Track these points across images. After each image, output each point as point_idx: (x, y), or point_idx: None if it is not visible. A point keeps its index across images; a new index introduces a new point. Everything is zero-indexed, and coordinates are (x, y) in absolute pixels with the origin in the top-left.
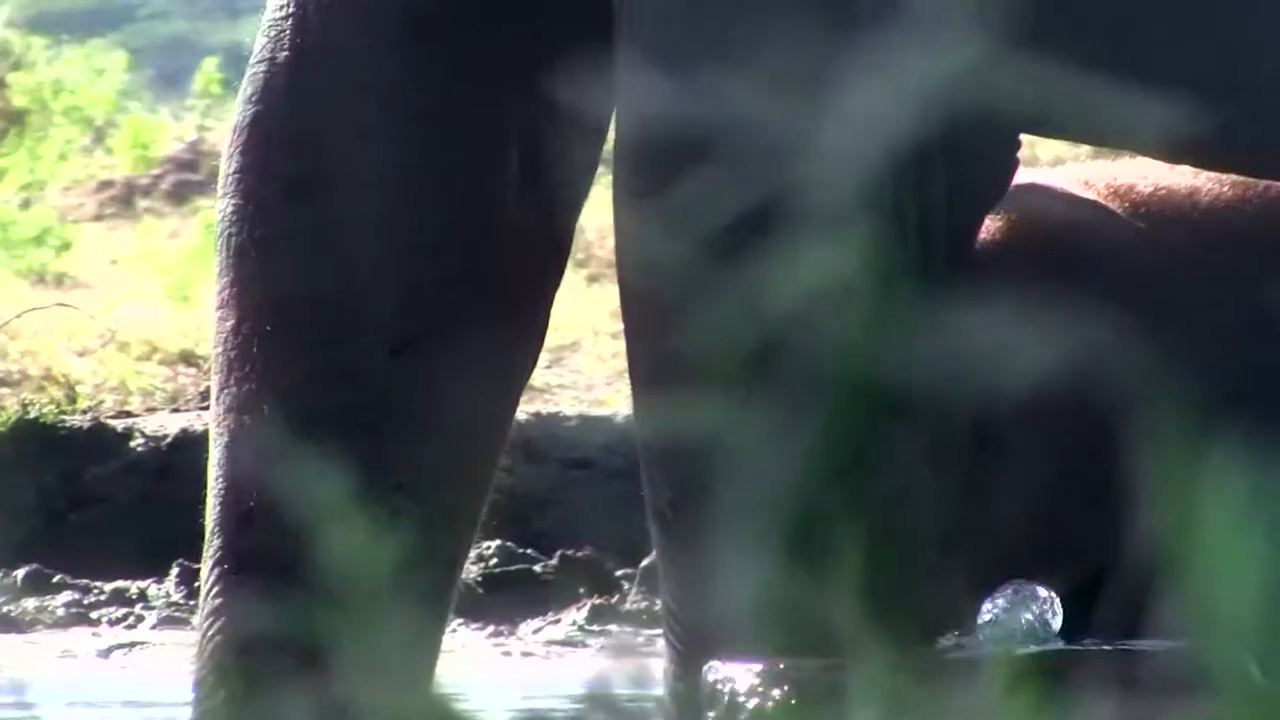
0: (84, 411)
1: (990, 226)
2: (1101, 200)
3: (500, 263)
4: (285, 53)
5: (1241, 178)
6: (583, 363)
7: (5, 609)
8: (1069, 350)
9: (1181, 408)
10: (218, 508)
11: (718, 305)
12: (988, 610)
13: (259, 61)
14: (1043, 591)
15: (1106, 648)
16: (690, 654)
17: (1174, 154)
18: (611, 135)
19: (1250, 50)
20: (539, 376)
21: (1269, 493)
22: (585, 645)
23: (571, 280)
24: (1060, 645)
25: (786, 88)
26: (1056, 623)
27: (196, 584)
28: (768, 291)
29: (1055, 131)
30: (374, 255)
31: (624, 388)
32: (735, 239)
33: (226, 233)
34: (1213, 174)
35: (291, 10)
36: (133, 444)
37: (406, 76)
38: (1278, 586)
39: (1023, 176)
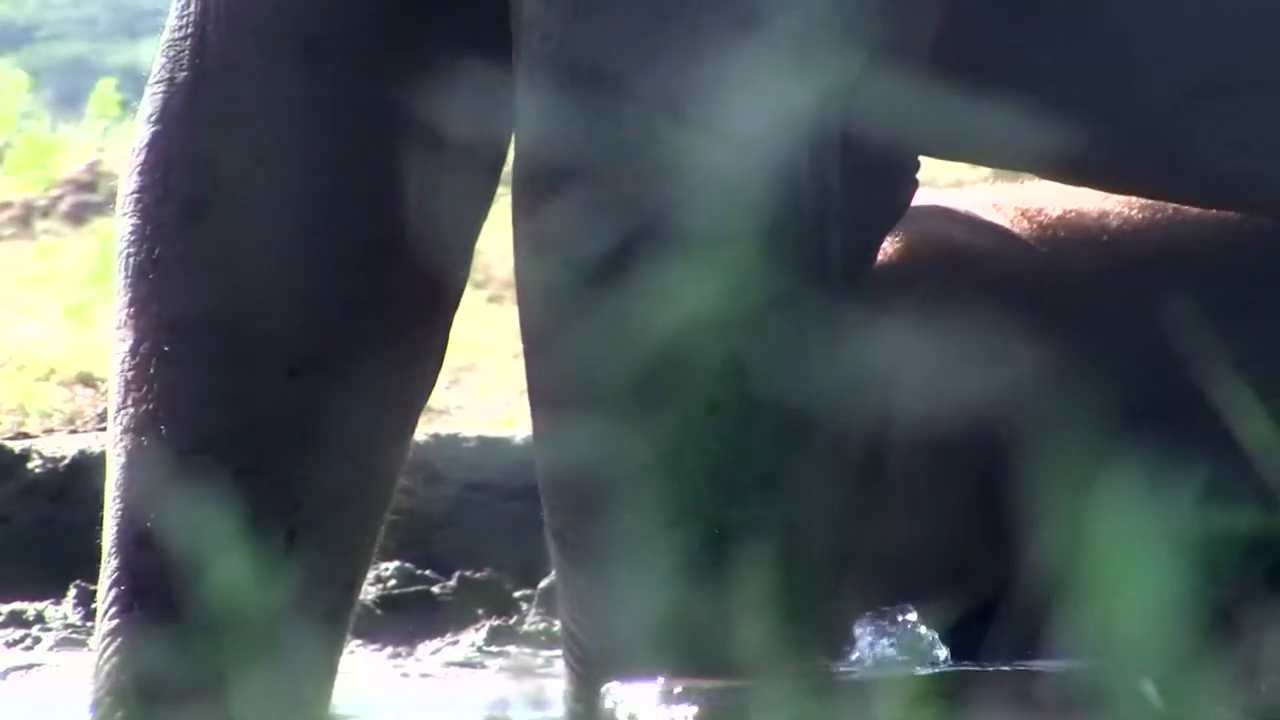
0: None
1: (890, 248)
2: (1010, 221)
3: (398, 284)
4: (184, 73)
5: (1151, 200)
6: (482, 384)
7: None
8: (967, 373)
9: (1080, 431)
10: (115, 529)
11: (613, 326)
12: (880, 631)
13: (157, 82)
14: (927, 618)
15: (1003, 668)
16: (590, 675)
17: (1070, 176)
18: (511, 156)
19: (1141, 75)
20: (438, 397)
21: (1166, 513)
22: (484, 666)
23: (471, 301)
24: (956, 665)
25: (681, 108)
26: (938, 646)
27: (94, 605)
28: (664, 312)
29: (954, 153)
30: (271, 276)
31: (524, 409)
32: (629, 259)
33: (125, 253)
34: (1123, 197)
35: (190, 31)
36: (30, 465)
37: (303, 98)
38: (1174, 607)
39: (923, 198)
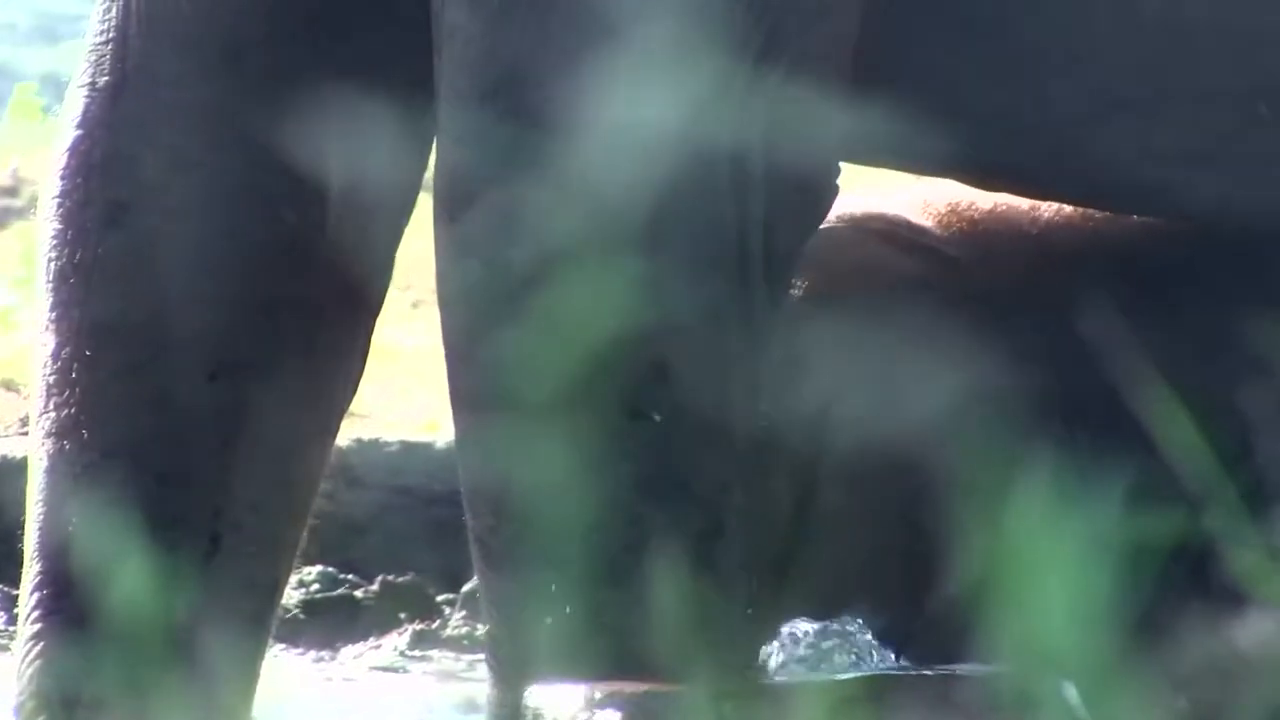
0: None
1: (812, 254)
2: (938, 220)
3: (319, 287)
4: (106, 78)
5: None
6: (404, 388)
7: None
8: (894, 381)
9: (1004, 436)
10: (37, 534)
11: (534, 331)
12: (803, 640)
13: (80, 86)
14: (855, 624)
15: (926, 672)
16: (513, 679)
17: (988, 184)
18: (433, 160)
19: (1055, 86)
20: (360, 401)
21: (1088, 518)
22: (407, 671)
23: (394, 305)
24: (878, 669)
25: (602, 116)
26: (872, 652)
27: (16, 610)
28: (585, 318)
29: (873, 160)
30: (192, 280)
31: (446, 413)
32: (550, 265)
33: (47, 258)
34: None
35: (112, 35)
36: None
37: (225, 102)
38: (1095, 611)
39: (851, 199)
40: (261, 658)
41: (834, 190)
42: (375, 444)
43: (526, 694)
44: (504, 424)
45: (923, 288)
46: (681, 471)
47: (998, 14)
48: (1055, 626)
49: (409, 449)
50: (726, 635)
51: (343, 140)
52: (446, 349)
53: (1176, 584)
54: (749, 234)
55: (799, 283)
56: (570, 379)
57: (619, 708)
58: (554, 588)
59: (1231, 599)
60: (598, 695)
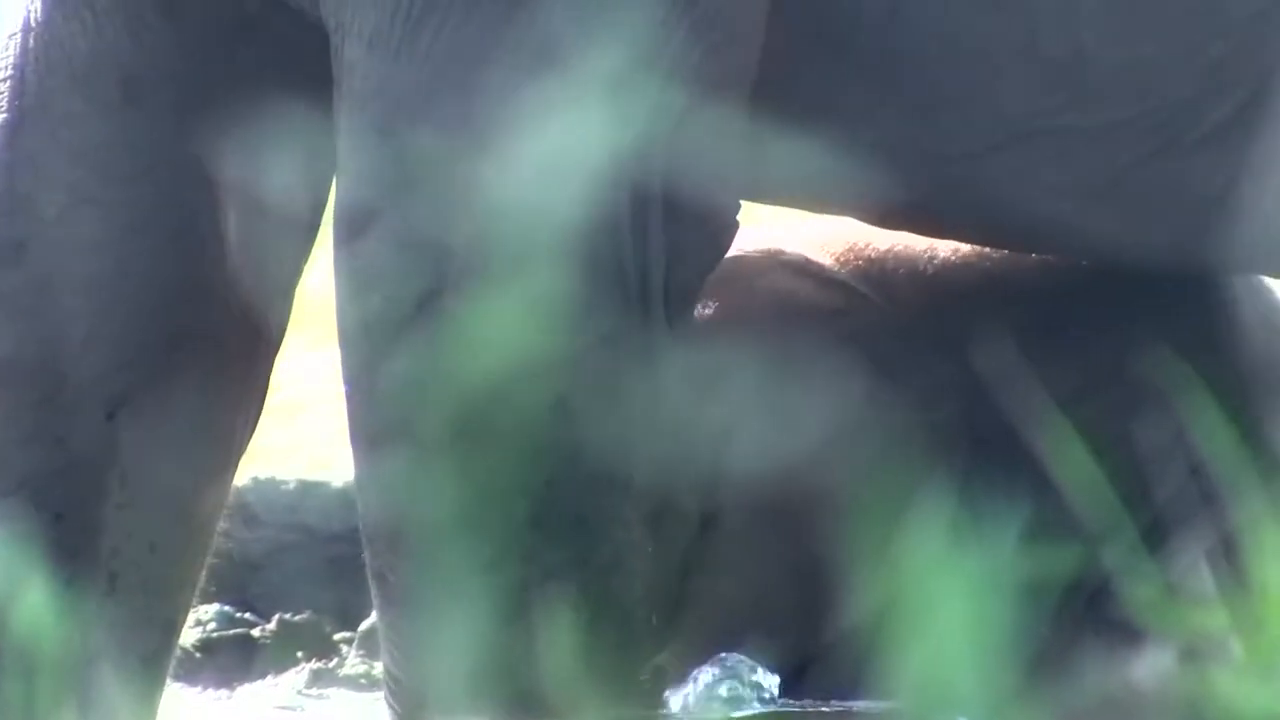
0: None
1: (711, 290)
2: (837, 260)
3: (217, 325)
4: (3, 114)
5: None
6: (301, 426)
7: None
8: (792, 418)
9: (901, 473)
10: None
11: (432, 366)
12: (701, 676)
13: None
14: (752, 660)
15: (821, 709)
16: (411, 717)
17: (887, 221)
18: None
19: (950, 122)
20: (256, 439)
21: (983, 553)
22: (304, 709)
23: (292, 343)
24: (776, 707)
25: (499, 150)
26: (769, 688)
27: None
28: (483, 353)
29: (773, 197)
30: (90, 318)
31: (343, 452)
32: (448, 299)
33: None
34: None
35: (10, 73)
36: None
37: (121, 139)
38: (990, 645)
39: (749, 237)
40: (159, 696)
41: (734, 225)
42: (272, 482)
43: None
44: (402, 459)
45: (829, 320)
46: (579, 506)
47: (894, 49)
48: (951, 661)
49: (306, 487)
50: (624, 671)
51: (242, 176)
52: (345, 383)
53: (1073, 618)
54: (649, 268)
55: (707, 310)
56: (468, 414)
57: None
58: (452, 625)
59: (1128, 633)
60: None
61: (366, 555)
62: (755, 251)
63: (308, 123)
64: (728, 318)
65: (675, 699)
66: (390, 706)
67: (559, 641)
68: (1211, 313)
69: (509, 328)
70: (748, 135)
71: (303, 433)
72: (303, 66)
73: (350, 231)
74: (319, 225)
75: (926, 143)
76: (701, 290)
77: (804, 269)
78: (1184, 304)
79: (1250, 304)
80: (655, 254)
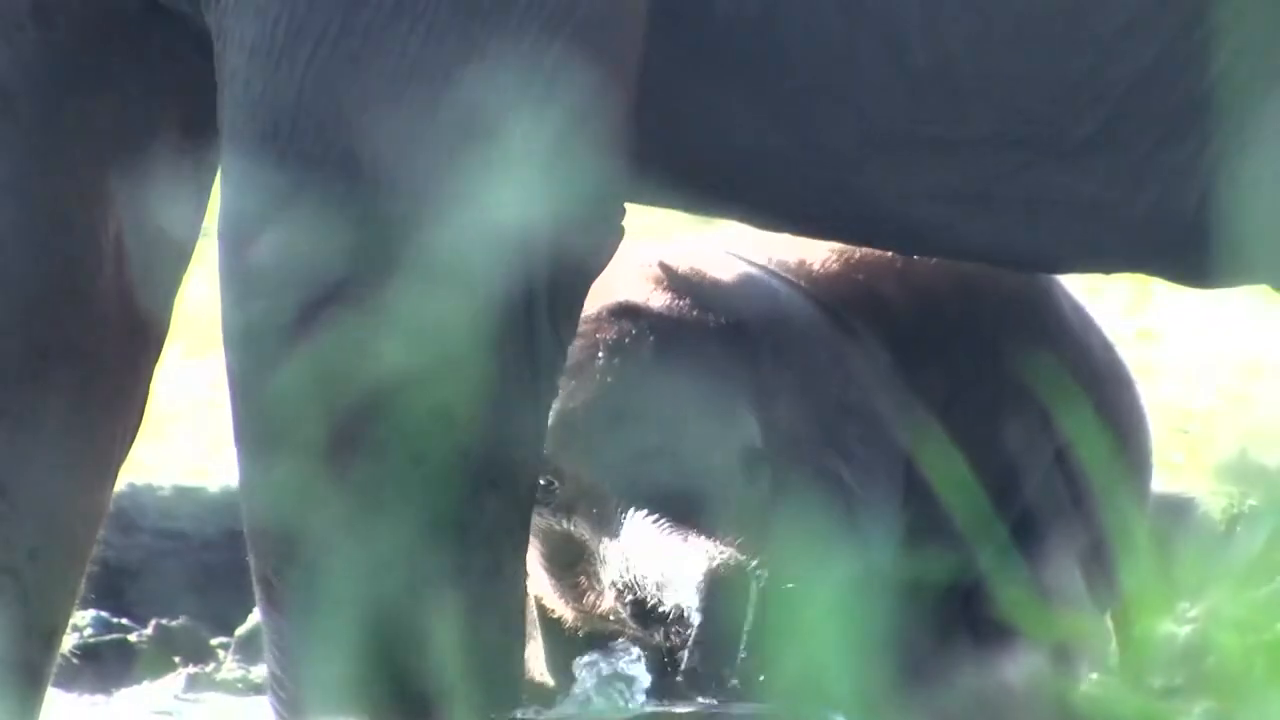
0: None
1: (598, 301)
2: (720, 269)
3: (97, 337)
4: None
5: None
6: (178, 433)
7: None
8: (664, 421)
9: (781, 477)
10: None
11: (317, 373)
12: (580, 674)
13: None
14: (632, 654)
15: (697, 709)
16: None
17: (770, 224)
18: (212, 208)
19: (827, 128)
20: (134, 448)
21: (859, 556)
22: (181, 715)
23: (170, 351)
24: (651, 707)
25: (381, 158)
26: (645, 684)
27: None
28: (367, 361)
29: (657, 203)
30: None
31: (219, 459)
32: (332, 308)
33: None
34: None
35: None
36: None
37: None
38: (865, 647)
39: (631, 248)
40: (39, 705)
41: (619, 233)
42: (148, 488)
43: None
44: (287, 465)
45: (700, 331)
46: (463, 513)
47: (769, 51)
48: (825, 661)
49: (182, 493)
50: (503, 675)
51: (120, 185)
52: (230, 389)
53: (946, 619)
54: (533, 276)
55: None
56: (353, 421)
57: None
58: (335, 629)
59: (999, 634)
60: None
61: (251, 560)
62: (636, 261)
63: (187, 132)
64: (605, 326)
65: (551, 701)
66: (274, 710)
67: (440, 646)
68: (1056, 310)
69: (392, 336)
70: (629, 143)
71: (178, 440)
72: (183, 74)
73: (235, 240)
74: (198, 235)
75: (801, 145)
76: (585, 297)
77: (684, 275)
78: (1041, 302)
79: (1065, 297)
80: (538, 262)
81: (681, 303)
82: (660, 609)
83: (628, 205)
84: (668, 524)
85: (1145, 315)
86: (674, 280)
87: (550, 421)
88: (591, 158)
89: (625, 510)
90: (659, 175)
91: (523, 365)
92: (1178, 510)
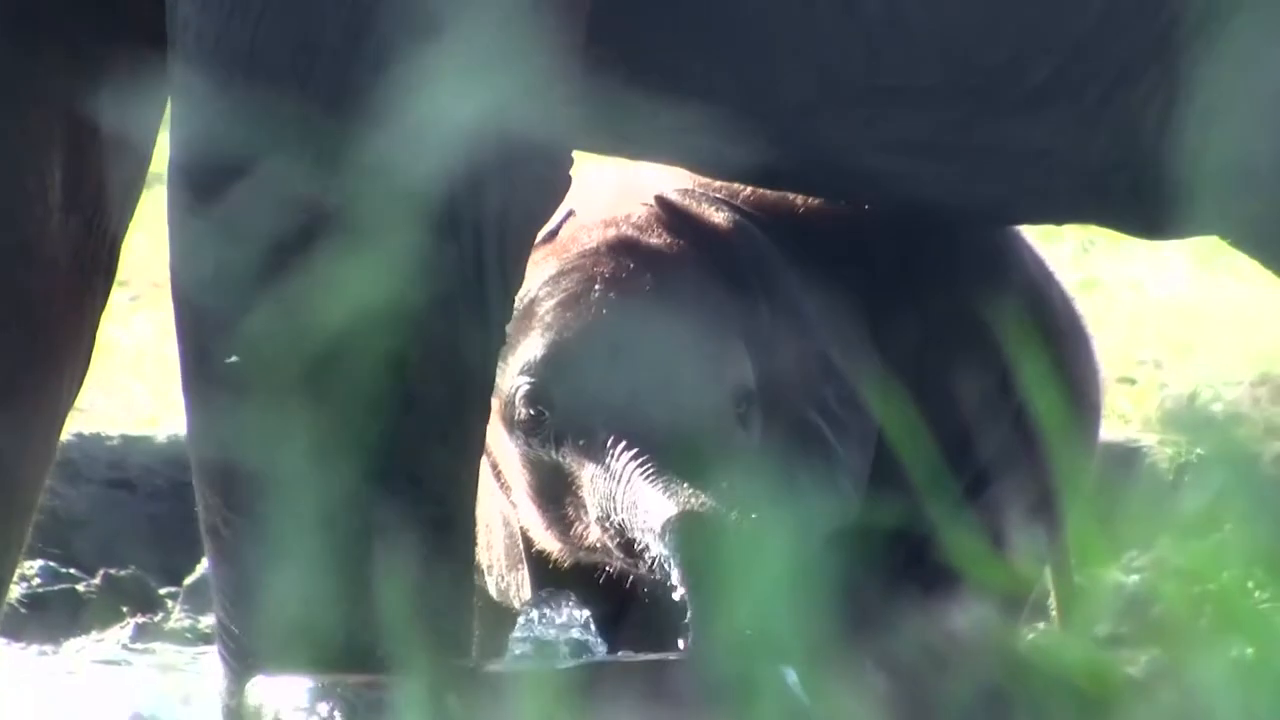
0: None
1: (593, 227)
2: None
3: (44, 285)
4: None
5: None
6: (124, 383)
7: None
8: (665, 359)
9: (729, 425)
10: None
11: (267, 321)
12: (525, 624)
13: None
14: (575, 607)
15: (640, 659)
16: (244, 670)
17: (724, 174)
18: (159, 154)
19: (783, 79)
20: (80, 396)
21: (805, 506)
22: (129, 664)
23: (115, 300)
24: (595, 657)
25: (337, 105)
26: (591, 636)
27: None
28: (317, 308)
29: (611, 150)
30: None
31: (166, 410)
32: (285, 259)
33: None
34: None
35: None
36: None
37: None
38: (813, 600)
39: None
40: None
41: (567, 180)
42: (96, 438)
43: (248, 686)
44: (237, 415)
45: (659, 271)
46: (414, 463)
47: (723, 8)
48: (773, 612)
49: (129, 443)
50: (452, 625)
51: (66, 134)
52: (180, 340)
53: (894, 570)
54: (483, 223)
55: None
56: (303, 370)
57: (344, 698)
58: (285, 578)
59: (947, 584)
60: (323, 686)
61: (200, 509)
62: (638, 190)
63: (135, 77)
64: (603, 260)
65: (499, 649)
66: (223, 660)
67: (390, 597)
68: (1020, 262)
69: (341, 285)
70: (580, 89)
71: (126, 389)
72: (132, 20)
73: (186, 189)
74: (144, 183)
75: (755, 95)
76: (532, 245)
77: (674, 220)
78: (1005, 253)
79: (1028, 249)
80: (488, 209)
81: (680, 242)
82: (642, 546)
83: (577, 154)
84: (653, 463)
85: (1089, 265)
86: (672, 219)
87: (544, 351)
88: (542, 102)
89: (614, 444)
90: (609, 122)
91: (472, 314)
92: (1124, 460)
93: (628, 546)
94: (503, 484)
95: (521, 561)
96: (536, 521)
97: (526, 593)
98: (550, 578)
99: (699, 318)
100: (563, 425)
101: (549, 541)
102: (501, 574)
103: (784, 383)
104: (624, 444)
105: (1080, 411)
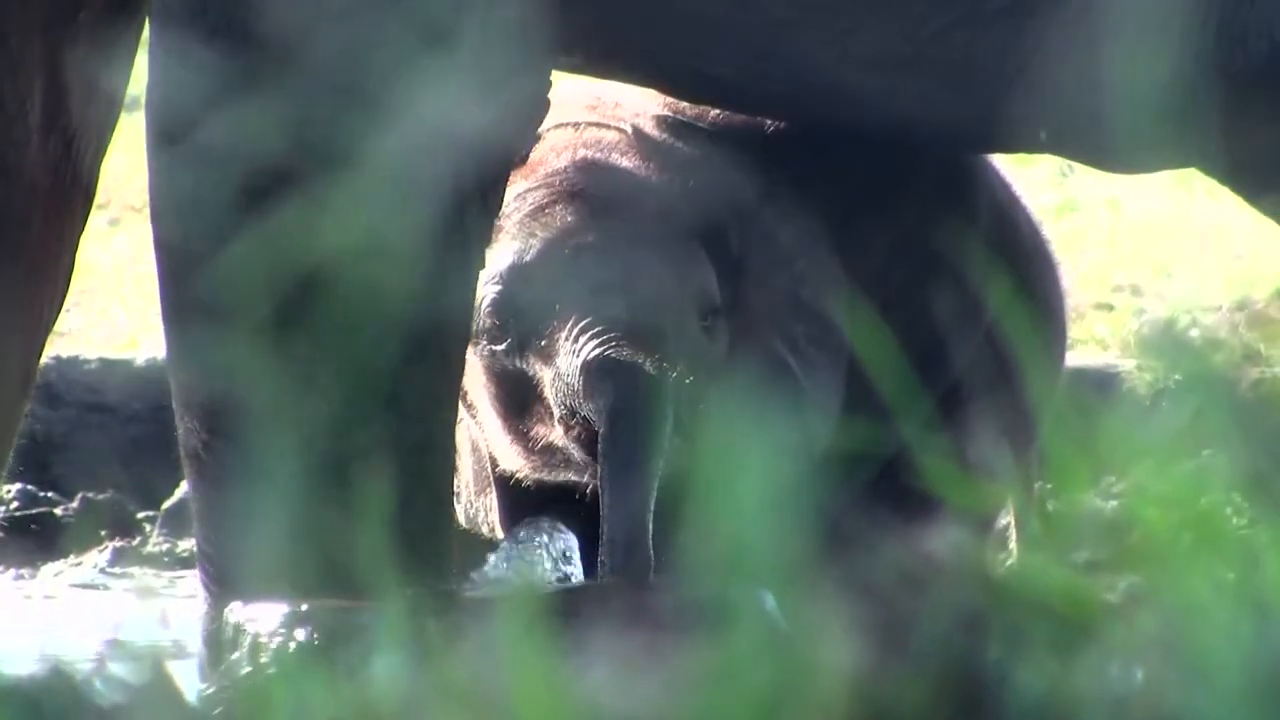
0: None
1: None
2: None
3: (21, 208)
4: None
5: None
6: (103, 306)
7: None
8: (631, 261)
9: (702, 351)
10: None
11: (249, 250)
12: (507, 548)
13: None
14: (559, 530)
15: (622, 583)
16: (223, 594)
17: (699, 95)
18: (137, 77)
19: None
20: (60, 320)
21: (777, 429)
22: (107, 588)
23: (93, 222)
24: (577, 580)
25: (309, 36)
26: (574, 559)
27: None
28: (298, 237)
29: (585, 72)
30: None
31: (145, 331)
32: (265, 186)
33: None
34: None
35: None
36: None
37: None
38: (790, 522)
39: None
40: None
41: (546, 104)
42: (74, 361)
43: (227, 610)
44: (217, 339)
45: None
46: (393, 387)
47: None
48: (750, 534)
49: (107, 366)
50: (430, 549)
51: (44, 55)
52: (159, 265)
53: (870, 492)
54: (460, 149)
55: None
56: (283, 296)
57: (323, 622)
58: (265, 501)
59: (921, 507)
60: (303, 609)
61: (180, 432)
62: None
63: (116, 3)
64: (575, 177)
65: (478, 574)
66: (202, 584)
67: (370, 519)
68: (987, 184)
69: (324, 213)
70: (553, 11)
71: (104, 312)
72: None
73: (166, 117)
74: (122, 105)
75: (728, 11)
76: (511, 170)
77: (645, 144)
78: (972, 175)
79: (994, 173)
80: (466, 136)
81: (649, 165)
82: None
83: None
84: (615, 347)
85: (1068, 188)
86: (642, 143)
87: (508, 259)
88: (517, 25)
89: (573, 335)
90: (584, 44)
91: (452, 238)
92: (1102, 384)
93: (588, 442)
94: (469, 406)
95: (489, 486)
96: (502, 438)
97: (494, 518)
98: (519, 501)
99: (664, 231)
100: (526, 330)
101: (514, 459)
102: (470, 499)
103: (753, 316)
104: (583, 332)
105: (1048, 333)
